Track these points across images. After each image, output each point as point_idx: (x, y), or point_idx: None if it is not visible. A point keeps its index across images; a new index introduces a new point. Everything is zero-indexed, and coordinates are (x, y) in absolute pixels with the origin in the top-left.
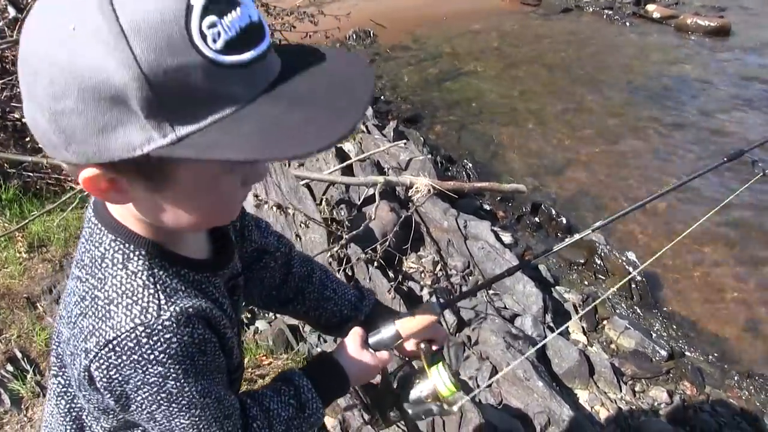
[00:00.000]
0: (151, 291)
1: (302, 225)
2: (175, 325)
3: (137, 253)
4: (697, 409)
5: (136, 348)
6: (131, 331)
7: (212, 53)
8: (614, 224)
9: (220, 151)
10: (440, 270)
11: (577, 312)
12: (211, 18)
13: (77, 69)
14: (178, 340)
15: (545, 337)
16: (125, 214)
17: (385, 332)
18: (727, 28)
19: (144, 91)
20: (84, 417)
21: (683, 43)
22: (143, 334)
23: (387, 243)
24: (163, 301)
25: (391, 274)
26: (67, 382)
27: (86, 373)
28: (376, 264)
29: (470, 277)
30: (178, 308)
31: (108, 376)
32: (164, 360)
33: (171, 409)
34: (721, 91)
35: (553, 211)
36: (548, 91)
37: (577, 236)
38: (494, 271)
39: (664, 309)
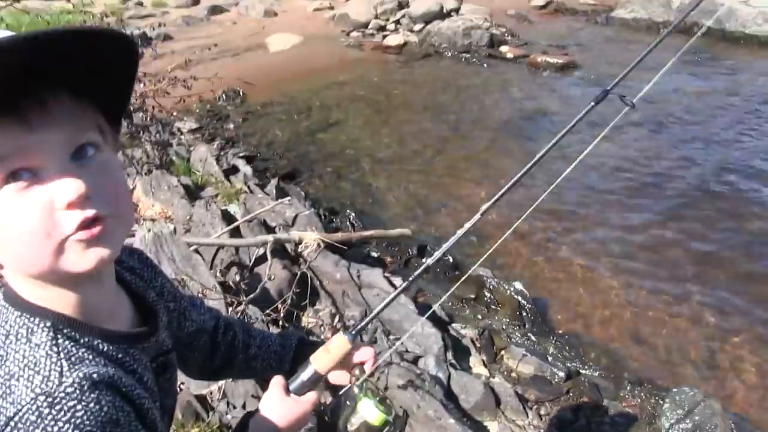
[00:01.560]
0: (53, 360)
1: (199, 293)
2: (78, 391)
3: (41, 325)
4: (599, 423)
5: (38, 421)
6: (32, 402)
7: None
8: (497, 255)
9: None
10: (338, 321)
11: (475, 346)
12: None
13: None
14: (83, 408)
15: (449, 375)
16: (30, 289)
17: (304, 375)
18: (572, 63)
19: None
20: None
21: (537, 79)
22: (44, 404)
23: (287, 302)
24: (65, 368)
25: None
26: None
27: None
28: (280, 323)
29: (369, 325)
30: (81, 374)
31: None
32: (68, 430)
33: None
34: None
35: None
36: (418, 134)
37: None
38: (391, 316)
39: (556, 331)
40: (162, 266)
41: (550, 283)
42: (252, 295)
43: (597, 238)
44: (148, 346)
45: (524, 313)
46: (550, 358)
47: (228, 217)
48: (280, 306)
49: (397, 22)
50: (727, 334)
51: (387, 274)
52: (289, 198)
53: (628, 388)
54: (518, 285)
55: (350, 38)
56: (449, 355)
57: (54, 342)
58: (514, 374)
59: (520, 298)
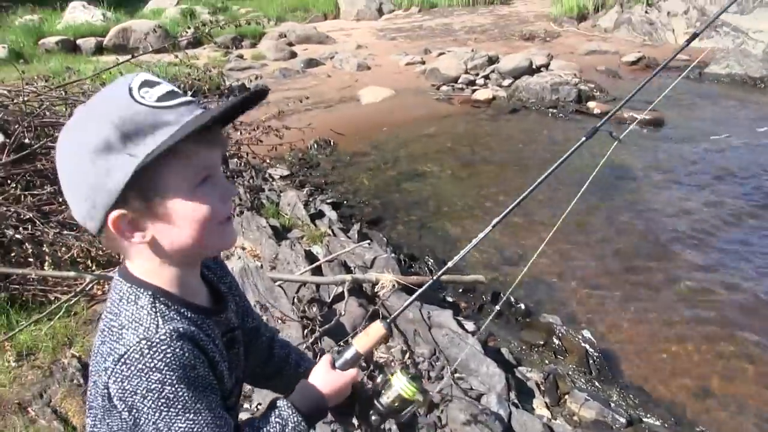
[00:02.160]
0: (152, 317)
1: (279, 321)
2: (169, 339)
3: (145, 293)
4: None
5: (140, 358)
6: (137, 344)
7: (150, 103)
8: (568, 304)
9: (165, 145)
10: (408, 357)
11: (539, 389)
12: (146, 89)
13: (82, 142)
14: (171, 352)
15: (510, 413)
16: (139, 269)
17: (347, 353)
18: (661, 120)
19: (118, 132)
20: None
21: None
22: (145, 346)
23: (358, 334)
24: (160, 323)
25: (363, 364)
26: (95, 420)
27: (106, 391)
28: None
29: (437, 363)
30: (171, 327)
31: (122, 388)
32: (161, 367)
33: (170, 413)
34: (659, 177)
35: (512, 299)
36: (501, 186)
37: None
38: (458, 355)
39: (621, 380)
40: (247, 294)
41: (618, 335)
42: (327, 326)
43: (667, 294)
44: (220, 321)
45: (590, 361)
46: (612, 405)
47: (311, 257)
48: (350, 339)
49: (487, 77)
50: None
51: (459, 318)
52: (369, 242)
53: None
54: (586, 333)
55: (440, 92)
56: (512, 394)
57: (153, 305)
58: (575, 418)
59: (587, 345)
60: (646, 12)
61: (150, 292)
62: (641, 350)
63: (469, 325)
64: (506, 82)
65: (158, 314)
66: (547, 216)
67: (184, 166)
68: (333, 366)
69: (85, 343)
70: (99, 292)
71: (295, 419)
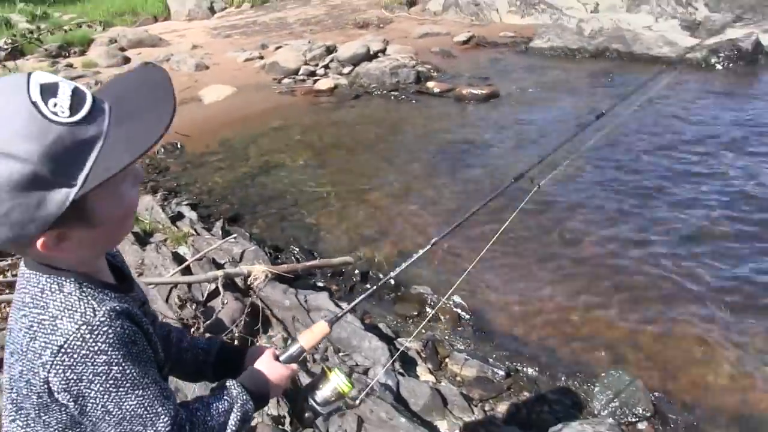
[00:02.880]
0: (85, 301)
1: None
2: (108, 319)
3: (68, 281)
4: (538, 413)
5: (83, 344)
6: (76, 331)
7: (65, 120)
8: (435, 276)
9: (111, 168)
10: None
11: (420, 357)
12: (52, 100)
13: (1, 180)
14: (113, 331)
15: (398, 382)
16: (53, 259)
17: (292, 348)
18: (496, 93)
19: (44, 164)
20: None
21: (463, 110)
22: (86, 331)
23: (239, 326)
24: (95, 305)
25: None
26: (26, 420)
27: (46, 386)
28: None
29: (320, 345)
30: (108, 307)
31: (65, 378)
32: (106, 349)
33: (119, 393)
34: (500, 142)
35: (381, 276)
36: (352, 172)
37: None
38: (340, 335)
39: (494, 336)
40: None
41: (485, 295)
42: (208, 322)
43: (525, 247)
44: (133, 296)
45: (464, 324)
46: (490, 360)
47: (178, 259)
48: (234, 329)
49: (326, 66)
50: (644, 322)
51: (335, 300)
52: (235, 236)
53: (563, 379)
54: (456, 298)
55: (282, 85)
56: (397, 365)
57: (80, 290)
58: (458, 378)
59: (459, 310)
60: None
61: (72, 279)
62: (508, 305)
63: (345, 305)
64: (346, 70)
65: (90, 297)
66: (402, 194)
67: (112, 181)
68: (277, 359)
69: None
70: None
71: (244, 397)
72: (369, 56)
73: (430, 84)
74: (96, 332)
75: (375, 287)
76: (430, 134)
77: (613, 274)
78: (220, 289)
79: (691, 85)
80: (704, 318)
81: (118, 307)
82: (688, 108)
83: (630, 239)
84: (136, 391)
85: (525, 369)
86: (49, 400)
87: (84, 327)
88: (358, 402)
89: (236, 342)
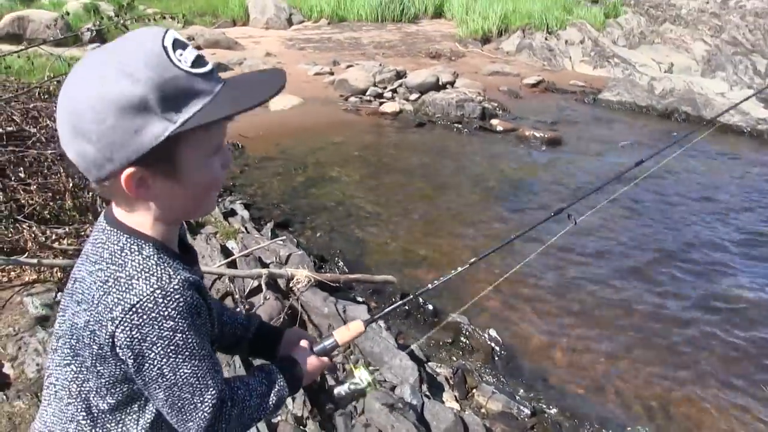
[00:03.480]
0: (162, 267)
1: None
2: (181, 288)
3: (147, 245)
4: None
5: (154, 307)
6: (150, 294)
7: (187, 67)
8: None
9: (211, 115)
10: None
11: (448, 383)
12: (180, 51)
13: (112, 96)
14: (183, 300)
15: (423, 403)
16: (132, 220)
17: (327, 342)
18: (559, 138)
19: (157, 93)
20: (91, 398)
21: (523, 151)
22: (159, 296)
23: (278, 322)
24: (171, 273)
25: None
26: (80, 367)
27: (110, 340)
28: None
29: (351, 356)
30: (182, 277)
31: (131, 336)
32: (174, 315)
33: (177, 359)
34: (554, 185)
35: (420, 300)
36: (407, 195)
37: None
38: (372, 349)
39: (524, 374)
40: None
41: (522, 333)
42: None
43: (569, 293)
44: (196, 269)
45: (496, 358)
46: (517, 397)
47: (226, 252)
48: (332, 331)
49: (394, 90)
50: (675, 380)
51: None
52: (283, 238)
53: (587, 426)
54: (492, 332)
55: (348, 103)
56: (424, 387)
57: (159, 256)
58: (483, 410)
59: (493, 344)
60: (546, 39)
61: (151, 244)
62: (543, 347)
63: (381, 322)
64: (413, 97)
65: (166, 264)
66: (452, 223)
67: (207, 138)
68: (311, 350)
69: None
70: (5, 279)
71: (281, 383)
72: (437, 86)
73: (494, 121)
74: (168, 298)
75: (412, 296)
76: (487, 169)
77: (654, 330)
78: (263, 286)
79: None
80: (744, 390)
81: (191, 278)
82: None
83: (677, 293)
84: (193, 361)
85: (551, 411)
86: (109, 353)
87: (158, 291)
88: (371, 389)
89: None
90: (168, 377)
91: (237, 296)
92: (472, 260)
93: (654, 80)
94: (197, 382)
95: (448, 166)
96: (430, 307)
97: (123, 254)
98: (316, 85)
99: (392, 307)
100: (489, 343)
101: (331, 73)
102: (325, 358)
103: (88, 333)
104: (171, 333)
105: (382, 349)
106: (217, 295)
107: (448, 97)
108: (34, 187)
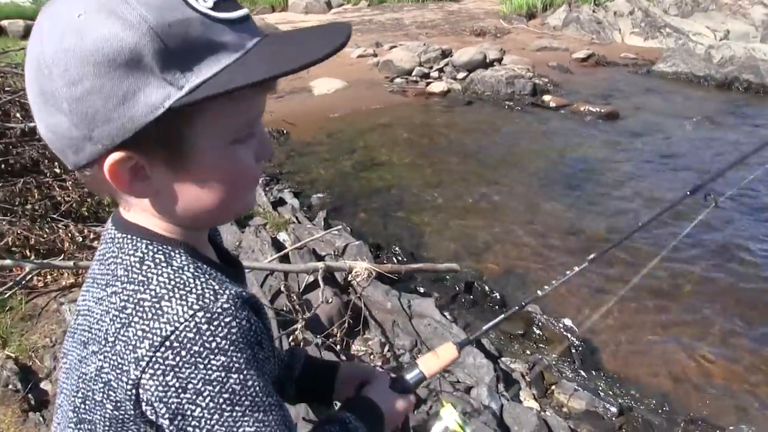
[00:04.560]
0: (202, 279)
1: None
2: (233, 308)
3: (177, 251)
4: None
5: (197, 338)
6: (190, 319)
7: (205, 9)
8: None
9: (237, 80)
10: (388, 350)
11: (525, 380)
12: None
13: (88, 47)
14: (237, 325)
15: (501, 405)
16: (151, 222)
17: (411, 375)
18: (616, 113)
19: (156, 43)
20: None
21: (580, 127)
22: (203, 320)
23: (344, 325)
24: (217, 287)
25: (343, 357)
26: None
27: (133, 391)
28: (337, 348)
29: (419, 354)
30: (233, 291)
31: (164, 384)
32: (227, 347)
33: (234, 413)
34: (620, 164)
35: (486, 288)
36: (462, 177)
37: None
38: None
39: (606, 369)
40: None
41: (598, 323)
42: (308, 315)
43: (645, 279)
44: (244, 287)
45: (573, 351)
46: (601, 394)
47: (277, 245)
48: (336, 330)
49: (441, 69)
50: None
51: (441, 309)
52: (338, 228)
53: (682, 425)
54: (567, 322)
55: (394, 84)
56: (501, 386)
57: (196, 265)
58: (565, 409)
59: (569, 334)
60: (593, 11)
61: (182, 250)
62: (623, 337)
63: (448, 315)
64: (460, 75)
65: (208, 276)
66: (513, 206)
67: (232, 113)
68: (392, 386)
69: (22, 342)
70: (40, 284)
71: None
72: (485, 64)
73: (547, 97)
74: (216, 323)
75: (518, 308)
76: (545, 148)
77: (756, 313)
78: (320, 282)
79: None
80: None
81: (244, 293)
82: None
83: None
84: (257, 414)
85: (639, 409)
86: (131, 413)
87: (201, 314)
88: None
89: (338, 340)
90: None
91: (292, 293)
92: (591, 256)
93: (712, 48)
94: None
95: (502, 146)
96: (497, 295)
97: (144, 267)
98: (360, 68)
99: (493, 323)
100: (565, 333)
101: (375, 55)
102: (411, 396)
103: (102, 385)
104: (224, 374)
105: None
106: (269, 293)
107: (497, 75)
108: (70, 182)
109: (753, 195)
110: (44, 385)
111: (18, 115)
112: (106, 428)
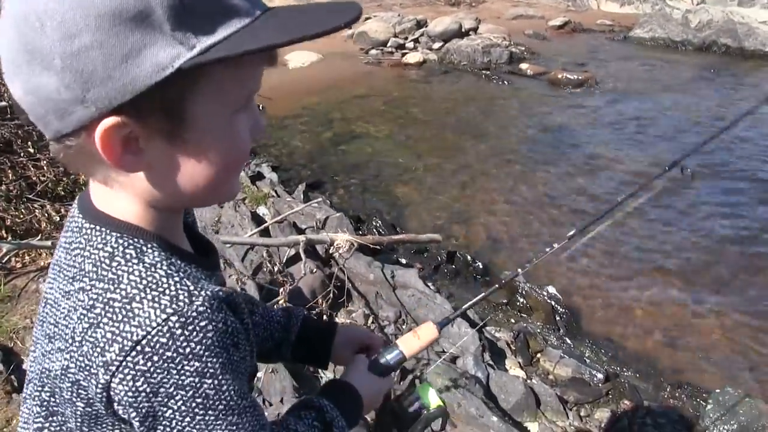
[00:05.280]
0: (176, 279)
1: (238, 282)
2: (209, 310)
3: (149, 246)
4: (641, 424)
5: (170, 343)
6: (163, 324)
7: None
8: (525, 258)
9: (247, 46)
10: (372, 322)
11: (510, 349)
12: None
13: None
14: (213, 328)
15: (488, 374)
16: (125, 208)
17: (390, 356)
18: (593, 79)
19: (171, 1)
20: None
21: (557, 94)
22: (177, 325)
23: (327, 299)
24: (191, 288)
25: None
26: (59, 430)
27: (104, 394)
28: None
29: (404, 326)
30: (209, 292)
31: (134, 389)
32: (201, 353)
33: (207, 417)
34: (599, 132)
35: (469, 258)
36: (441, 147)
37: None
38: (427, 316)
39: (591, 335)
40: None
41: (582, 290)
42: (291, 287)
43: (628, 246)
44: (219, 275)
45: (558, 318)
46: (587, 361)
47: (257, 219)
48: (321, 300)
49: (416, 40)
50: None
51: (424, 279)
52: (318, 200)
53: (668, 389)
54: (551, 290)
55: (369, 56)
56: (486, 356)
57: (169, 262)
58: (551, 376)
59: (553, 302)
60: None
61: (155, 244)
62: (606, 303)
63: (432, 285)
64: (436, 46)
65: (182, 275)
66: (493, 176)
67: (237, 82)
68: (371, 368)
69: (3, 324)
70: (18, 264)
71: (339, 424)
72: (460, 33)
73: (524, 66)
74: (191, 327)
75: (498, 286)
76: (523, 116)
77: (743, 275)
78: (302, 255)
79: None
80: None
81: (221, 292)
82: None
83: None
84: (230, 417)
85: (626, 374)
86: (103, 412)
87: (175, 318)
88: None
89: (324, 310)
90: None
91: (275, 266)
92: (571, 233)
93: (689, 13)
94: None
95: (480, 115)
96: (480, 264)
97: (113, 264)
98: (334, 40)
99: (473, 302)
100: (549, 301)
101: (349, 27)
102: (389, 378)
103: (68, 385)
104: (197, 379)
105: (437, 316)
106: (250, 268)
107: (473, 44)
108: (45, 162)
109: (725, 166)
110: (26, 366)
111: None
112: (79, 423)
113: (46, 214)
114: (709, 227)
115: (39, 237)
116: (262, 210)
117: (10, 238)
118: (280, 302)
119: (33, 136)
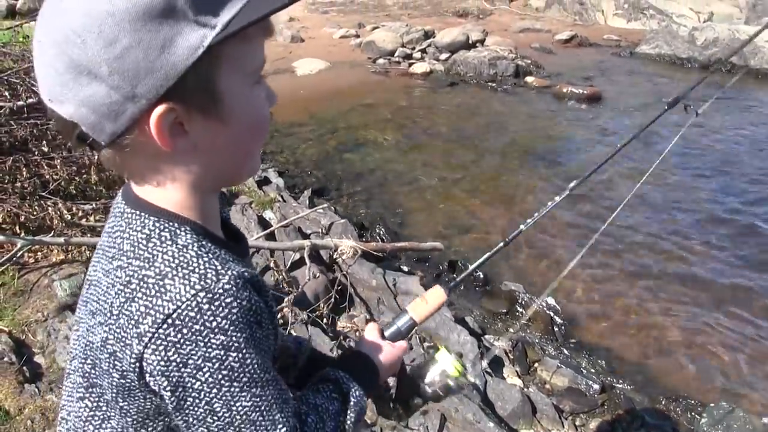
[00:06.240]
0: (205, 259)
1: None
2: (234, 288)
3: (183, 229)
4: None
5: (198, 317)
6: (192, 298)
7: None
8: (529, 273)
9: (261, 11)
10: None
11: (508, 358)
12: None
13: (121, 5)
14: (238, 305)
15: (485, 382)
16: (164, 196)
17: (401, 322)
18: (598, 94)
19: None
20: None
21: (563, 109)
22: (204, 300)
23: (330, 301)
24: (219, 267)
25: (330, 334)
26: (97, 401)
27: (137, 364)
28: (324, 322)
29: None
30: (235, 272)
31: (166, 359)
32: (226, 327)
33: (232, 389)
34: (603, 147)
35: (469, 267)
36: (445, 158)
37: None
38: (428, 323)
39: (588, 346)
40: None
41: (580, 301)
42: (295, 293)
43: (625, 259)
44: (248, 261)
45: (556, 328)
46: (584, 371)
47: (263, 223)
48: (322, 305)
49: (423, 50)
50: (764, 354)
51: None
52: (324, 206)
53: (663, 402)
54: (550, 300)
55: (376, 65)
56: (484, 363)
57: (200, 244)
58: (548, 386)
59: (551, 313)
60: None
61: (188, 228)
62: (604, 315)
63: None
64: (443, 57)
65: (211, 256)
66: (497, 186)
67: (249, 53)
68: (383, 336)
69: (15, 317)
70: (31, 260)
71: (357, 393)
72: (468, 45)
73: (530, 79)
74: (217, 303)
75: (498, 248)
76: (526, 129)
77: (739, 292)
78: (306, 259)
79: None
80: None
81: (246, 273)
82: None
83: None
84: (254, 389)
85: (622, 386)
86: (136, 383)
87: (203, 294)
88: (468, 382)
89: (325, 314)
90: (221, 415)
91: (280, 270)
92: (573, 184)
93: (696, 30)
94: (261, 419)
95: (485, 127)
96: (481, 274)
97: (150, 244)
98: (342, 49)
99: (479, 262)
100: (547, 311)
101: (357, 36)
102: (403, 343)
103: (107, 355)
104: (222, 352)
105: (438, 323)
106: (256, 270)
107: (479, 56)
108: (58, 161)
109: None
110: (38, 358)
111: (6, 94)
112: (114, 395)
113: (59, 212)
114: (707, 241)
115: (51, 234)
116: (268, 214)
117: (23, 234)
118: (285, 306)
119: (48, 135)
